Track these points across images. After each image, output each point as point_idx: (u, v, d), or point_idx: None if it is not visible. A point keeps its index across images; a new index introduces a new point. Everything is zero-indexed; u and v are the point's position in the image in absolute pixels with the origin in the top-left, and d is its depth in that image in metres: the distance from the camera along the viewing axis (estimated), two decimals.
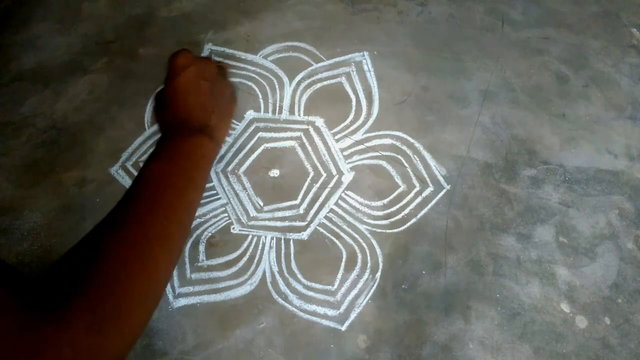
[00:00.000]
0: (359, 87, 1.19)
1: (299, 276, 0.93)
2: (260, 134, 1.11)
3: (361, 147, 1.10)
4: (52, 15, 1.33)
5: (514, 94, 1.20)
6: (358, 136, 1.11)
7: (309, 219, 1.00)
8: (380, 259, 0.95)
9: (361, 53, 1.25)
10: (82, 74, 1.20)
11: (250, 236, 0.97)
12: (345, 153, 1.09)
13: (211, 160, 0.49)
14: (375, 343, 0.86)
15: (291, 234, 0.98)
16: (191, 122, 0.48)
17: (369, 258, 0.95)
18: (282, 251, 0.95)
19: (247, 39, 1.28)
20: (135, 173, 1.03)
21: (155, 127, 1.10)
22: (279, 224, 0.99)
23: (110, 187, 1.01)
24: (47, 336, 0.26)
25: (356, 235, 0.98)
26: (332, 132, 1.12)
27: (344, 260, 0.95)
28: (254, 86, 1.19)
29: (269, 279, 0.92)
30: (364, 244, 0.97)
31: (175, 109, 0.48)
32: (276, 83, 1.19)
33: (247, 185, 1.03)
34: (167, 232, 0.38)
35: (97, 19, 1.32)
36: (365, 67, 1.23)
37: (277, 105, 1.15)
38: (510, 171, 1.08)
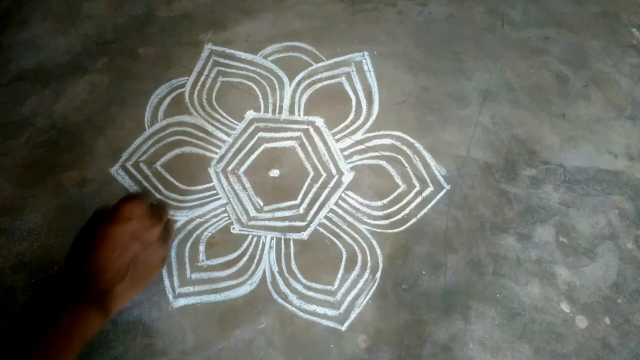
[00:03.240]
0: (359, 87, 1.20)
1: (299, 276, 0.93)
2: (260, 134, 1.11)
3: (361, 147, 1.10)
4: (52, 15, 1.33)
5: (514, 94, 1.20)
6: (358, 136, 1.11)
7: (309, 219, 1.00)
8: (380, 259, 0.95)
9: (361, 53, 1.26)
10: (82, 74, 1.20)
11: (250, 236, 0.97)
12: (345, 153, 1.09)
13: (92, 335, 0.47)
14: (375, 343, 0.86)
15: (291, 234, 0.98)
16: (95, 283, 0.45)
17: (369, 258, 0.95)
18: (282, 251, 0.95)
19: (247, 39, 1.28)
20: (135, 173, 1.04)
21: (155, 127, 1.10)
22: (279, 224, 0.99)
23: (110, 187, 1.01)
24: None
25: (356, 235, 0.98)
26: (332, 132, 1.12)
27: (344, 260, 0.95)
28: (254, 86, 1.19)
29: (269, 279, 0.92)
30: (364, 244, 0.97)
31: (90, 259, 0.46)
32: (276, 83, 1.19)
33: (247, 185, 1.03)
34: None
35: (97, 19, 1.32)
36: (365, 67, 1.23)
37: (277, 105, 1.16)
38: (510, 171, 1.08)
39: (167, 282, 0.91)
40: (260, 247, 0.96)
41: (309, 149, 1.10)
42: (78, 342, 0.44)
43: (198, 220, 0.99)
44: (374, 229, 0.99)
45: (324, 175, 1.06)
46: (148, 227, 0.49)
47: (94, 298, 0.45)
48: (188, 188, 1.03)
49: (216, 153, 1.09)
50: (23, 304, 0.86)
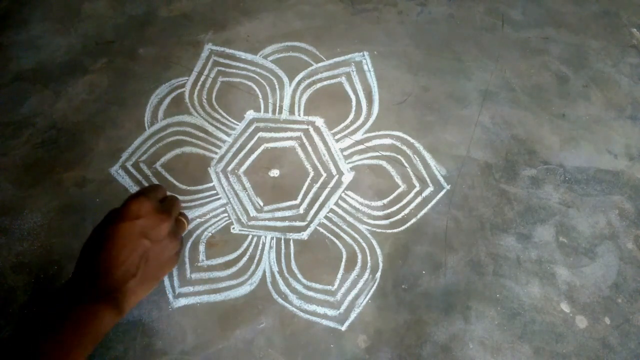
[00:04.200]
0: (359, 87, 1.20)
1: (299, 276, 0.93)
2: (260, 134, 1.11)
3: (361, 147, 1.10)
4: (52, 15, 1.33)
5: (514, 94, 1.20)
6: (358, 136, 1.11)
7: (309, 219, 1.00)
8: (380, 259, 0.95)
9: (361, 53, 1.26)
10: (82, 74, 1.20)
11: (250, 236, 0.97)
12: (345, 153, 1.09)
13: (105, 333, 0.46)
14: (375, 343, 0.86)
15: (291, 234, 0.98)
16: (105, 281, 0.45)
17: (369, 258, 0.95)
18: (282, 251, 0.95)
19: (247, 39, 1.28)
20: (135, 173, 1.03)
21: (155, 127, 1.10)
22: (279, 224, 0.99)
23: (110, 187, 1.01)
24: None
25: (356, 235, 0.98)
26: (332, 132, 1.12)
27: (344, 260, 0.95)
28: (254, 86, 1.19)
29: (269, 279, 0.92)
30: (364, 244, 0.97)
31: (99, 258, 0.45)
32: (276, 83, 1.19)
33: (247, 185, 1.03)
34: None
35: (97, 19, 1.32)
36: (365, 67, 1.23)
37: (277, 105, 1.16)
38: (510, 171, 1.08)
39: (167, 282, 0.91)
40: (260, 247, 0.96)
41: (309, 149, 1.09)
42: (90, 339, 0.44)
43: (198, 220, 0.99)
44: (374, 229, 0.99)
45: (324, 175, 1.06)
46: (157, 223, 0.49)
47: (105, 296, 0.45)
48: (188, 188, 1.03)
49: (216, 153, 1.09)
50: (33, 304, 0.86)
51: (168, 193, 0.50)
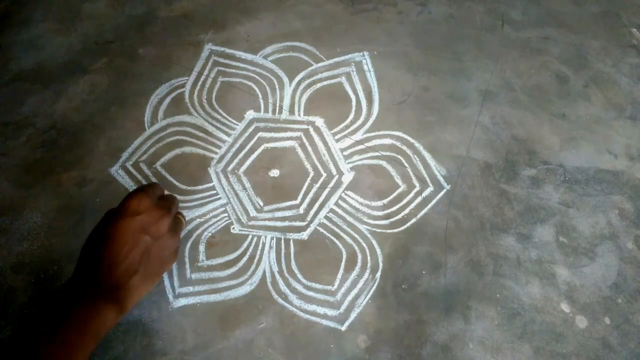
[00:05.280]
0: (359, 87, 1.20)
1: (299, 276, 0.93)
2: (260, 134, 1.11)
3: (361, 147, 1.10)
4: (52, 15, 1.33)
5: (514, 94, 1.20)
6: (358, 136, 1.11)
7: (309, 219, 1.00)
8: (380, 259, 0.95)
9: (361, 53, 1.26)
10: (82, 74, 1.20)
11: (250, 236, 0.97)
12: (345, 153, 1.09)
13: (107, 331, 0.46)
14: (375, 343, 0.86)
15: (291, 234, 0.98)
16: (108, 278, 0.45)
17: (369, 258, 0.95)
18: (282, 251, 0.95)
19: (247, 39, 1.28)
20: (135, 173, 1.03)
21: (155, 127, 1.10)
22: (279, 224, 0.99)
23: (110, 187, 1.01)
24: None
25: (356, 235, 0.98)
26: (332, 132, 1.12)
27: (344, 260, 0.95)
28: (254, 86, 1.19)
29: (269, 279, 0.92)
30: (364, 244, 0.97)
31: (101, 256, 0.45)
32: (276, 83, 1.19)
33: (247, 185, 1.03)
34: None
35: (97, 19, 1.32)
36: (365, 67, 1.23)
37: (277, 105, 1.16)
38: (510, 171, 1.08)
39: (167, 282, 0.91)
40: (260, 247, 0.96)
41: (309, 149, 1.10)
42: (92, 337, 0.44)
43: (198, 220, 0.99)
44: (374, 229, 0.99)
45: (324, 175, 1.06)
46: (156, 220, 0.50)
47: (108, 294, 0.45)
48: (188, 188, 1.03)
49: (216, 153, 1.09)
50: (33, 304, 0.86)
51: (166, 192, 0.51)
